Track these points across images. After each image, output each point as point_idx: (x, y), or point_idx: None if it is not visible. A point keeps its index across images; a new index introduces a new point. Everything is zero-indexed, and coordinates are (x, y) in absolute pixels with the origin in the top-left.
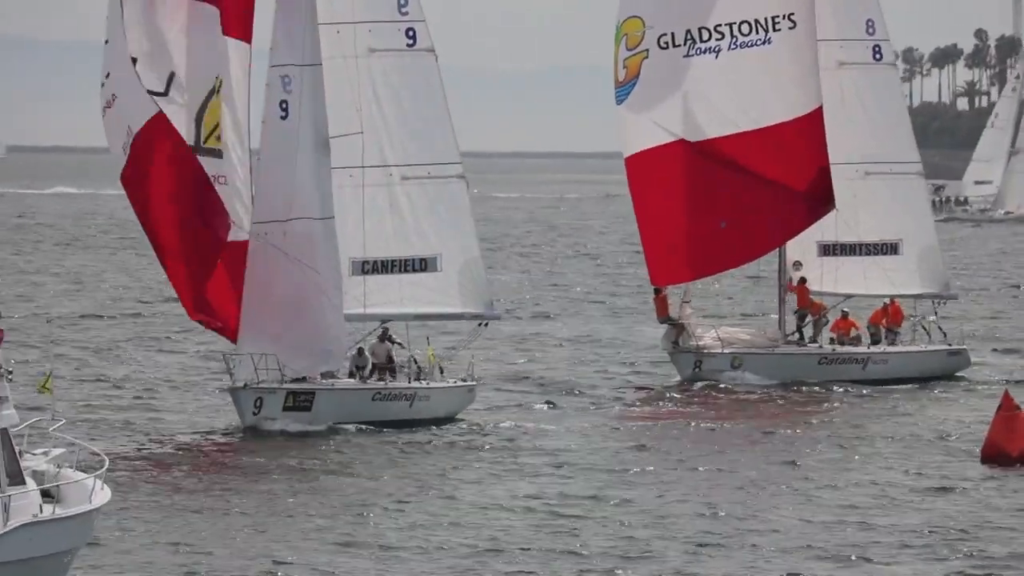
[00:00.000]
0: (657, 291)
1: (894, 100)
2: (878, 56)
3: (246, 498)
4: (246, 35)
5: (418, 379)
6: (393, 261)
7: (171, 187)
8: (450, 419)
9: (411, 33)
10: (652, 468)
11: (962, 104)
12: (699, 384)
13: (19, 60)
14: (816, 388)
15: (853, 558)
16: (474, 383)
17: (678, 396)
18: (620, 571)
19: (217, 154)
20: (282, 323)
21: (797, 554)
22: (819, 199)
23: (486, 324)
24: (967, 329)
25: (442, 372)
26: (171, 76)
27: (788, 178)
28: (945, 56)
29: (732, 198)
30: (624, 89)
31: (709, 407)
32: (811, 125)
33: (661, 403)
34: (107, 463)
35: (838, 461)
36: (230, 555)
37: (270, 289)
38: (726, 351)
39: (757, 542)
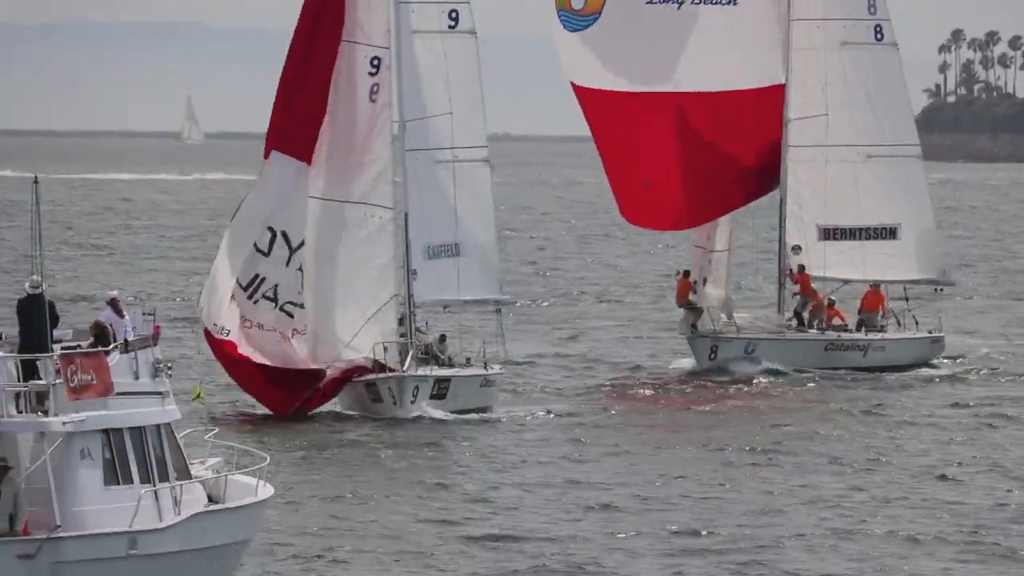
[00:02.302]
0: (685, 273)
1: (895, 82)
2: (879, 36)
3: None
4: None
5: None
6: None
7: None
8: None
9: (454, 15)
10: (693, 459)
11: None
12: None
13: None
14: (829, 374)
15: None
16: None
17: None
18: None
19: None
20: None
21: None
22: (765, 176)
23: (499, 310)
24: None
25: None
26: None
27: (738, 148)
28: None
29: (680, 158)
30: (582, 20)
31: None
32: (771, 99)
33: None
34: (268, 460)
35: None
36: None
37: None
38: (741, 336)
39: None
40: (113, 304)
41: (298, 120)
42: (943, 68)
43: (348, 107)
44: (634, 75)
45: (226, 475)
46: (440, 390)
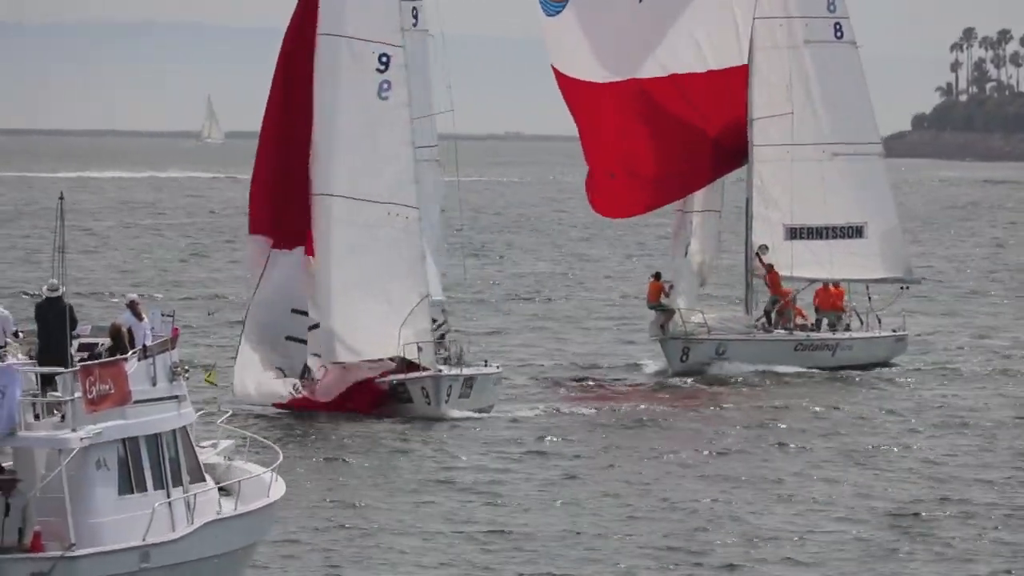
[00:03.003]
0: (656, 275)
1: (855, 79)
2: (839, 34)
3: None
4: None
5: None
6: None
7: None
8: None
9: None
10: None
11: None
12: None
13: None
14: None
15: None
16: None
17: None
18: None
19: None
20: None
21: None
22: (731, 152)
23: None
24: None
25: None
26: None
27: (706, 125)
28: None
29: (645, 144)
30: (555, 5)
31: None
32: (736, 80)
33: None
34: (281, 456)
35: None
36: None
37: None
38: (712, 338)
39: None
40: (132, 307)
41: (294, 213)
42: (955, 66)
43: (354, 104)
44: (600, 62)
45: (240, 478)
46: (466, 389)
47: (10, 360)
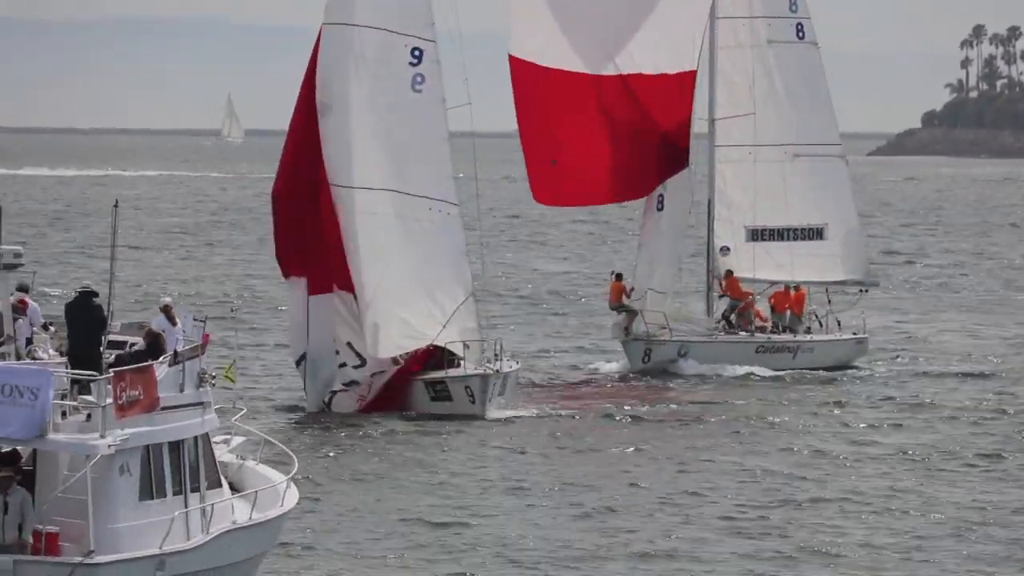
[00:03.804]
0: (617, 276)
1: (816, 80)
2: (801, 35)
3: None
4: None
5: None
6: None
7: None
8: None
9: None
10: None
11: None
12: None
13: None
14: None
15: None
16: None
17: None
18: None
19: None
20: None
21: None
22: (675, 156)
23: None
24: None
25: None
26: None
27: (651, 128)
28: None
29: (594, 139)
30: None
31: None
32: (686, 84)
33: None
34: (297, 463)
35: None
36: None
37: None
38: (674, 339)
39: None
40: (166, 311)
41: (326, 256)
42: (965, 63)
43: (384, 96)
44: (557, 52)
45: (255, 486)
46: (503, 388)
47: (40, 354)
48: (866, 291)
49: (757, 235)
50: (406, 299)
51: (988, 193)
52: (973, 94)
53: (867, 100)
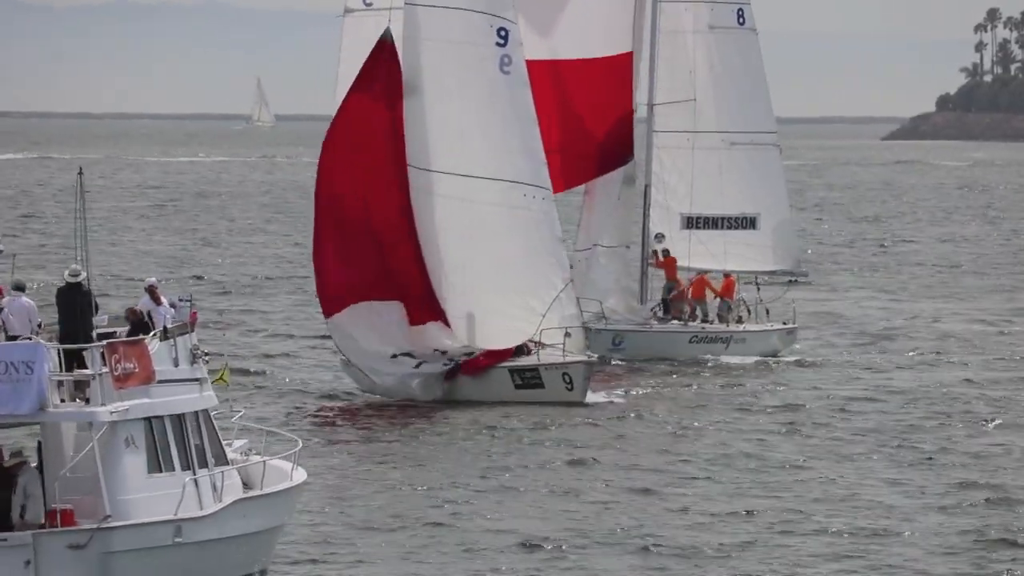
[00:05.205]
0: None
1: (755, 67)
2: (741, 20)
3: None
4: None
5: None
6: None
7: None
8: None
9: None
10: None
11: None
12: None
13: None
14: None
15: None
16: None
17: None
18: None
19: None
20: None
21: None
22: (615, 150)
23: None
24: None
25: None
26: None
27: (589, 119)
28: None
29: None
30: None
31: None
32: (622, 68)
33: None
34: (300, 444)
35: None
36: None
37: None
38: (608, 328)
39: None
40: (151, 291)
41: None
42: (979, 47)
43: (475, 79)
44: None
45: (264, 463)
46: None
47: None
48: (795, 281)
49: (692, 223)
50: (504, 289)
51: None
52: (987, 78)
53: (881, 84)
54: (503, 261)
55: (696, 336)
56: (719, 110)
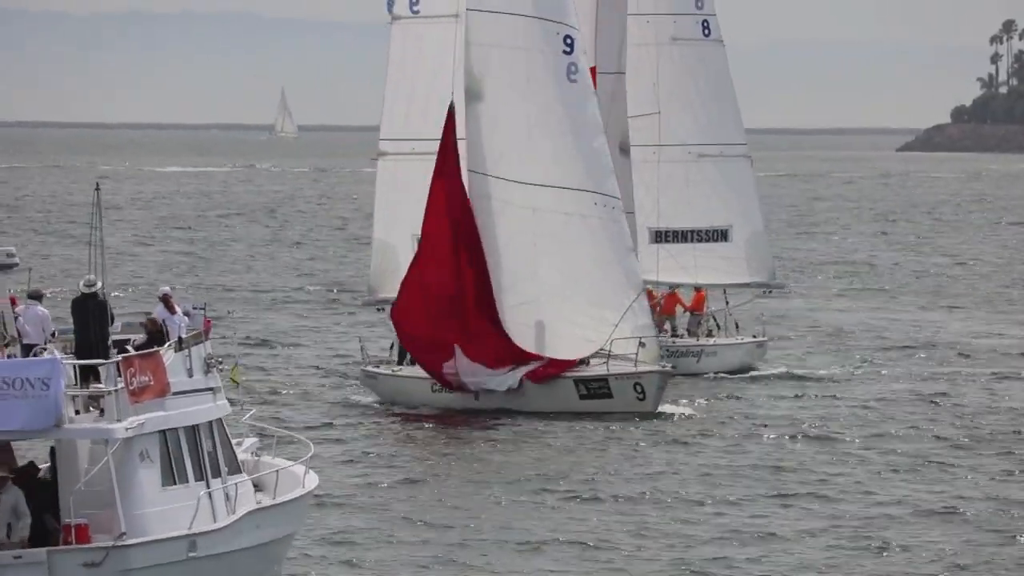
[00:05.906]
0: None
1: (722, 79)
2: (707, 32)
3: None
4: None
5: None
6: None
7: None
8: None
9: None
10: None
11: None
12: None
13: None
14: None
15: None
16: None
17: None
18: None
19: None
20: None
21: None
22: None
23: None
24: None
25: None
26: None
27: None
28: None
29: None
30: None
31: None
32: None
33: None
34: (312, 449)
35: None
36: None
37: None
38: None
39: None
40: (165, 300)
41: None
42: (995, 58)
43: (542, 87)
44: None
45: (277, 471)
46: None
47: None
48: (770, 293)
49: (660, 236)
50: (575, 298)
51: None
52: (1003, 89)
53: (897, 95)
54: (574, 270)
55: (667, 350)
56: (684, 122)
